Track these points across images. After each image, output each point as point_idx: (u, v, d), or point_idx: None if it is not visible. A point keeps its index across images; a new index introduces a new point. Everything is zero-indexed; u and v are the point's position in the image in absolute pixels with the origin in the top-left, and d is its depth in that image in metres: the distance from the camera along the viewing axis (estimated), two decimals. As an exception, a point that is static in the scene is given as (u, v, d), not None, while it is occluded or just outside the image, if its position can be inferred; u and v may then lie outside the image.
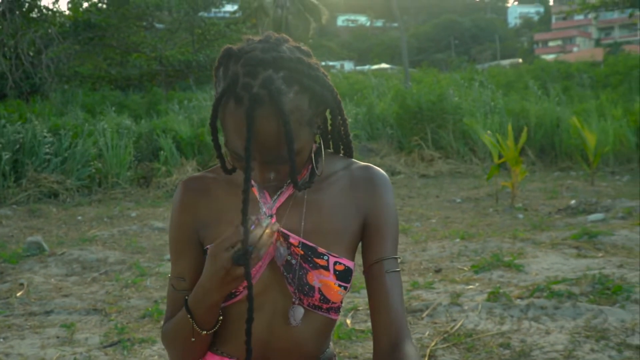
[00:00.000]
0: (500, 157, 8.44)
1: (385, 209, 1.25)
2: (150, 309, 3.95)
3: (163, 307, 3.98)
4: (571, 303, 3.44)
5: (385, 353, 1.18)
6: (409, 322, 3.54)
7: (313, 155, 1.23)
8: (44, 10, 11.00)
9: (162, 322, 3.67)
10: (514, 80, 20.10)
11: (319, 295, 1.21)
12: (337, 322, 3.52)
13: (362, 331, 3.39)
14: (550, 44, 71.37)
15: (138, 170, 11.20)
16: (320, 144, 1.26)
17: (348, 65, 54.10)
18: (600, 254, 4.83)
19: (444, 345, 3.13)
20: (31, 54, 10.98)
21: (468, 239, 5.81)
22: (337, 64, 49.92)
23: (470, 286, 4.09)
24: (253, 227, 1.08)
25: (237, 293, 1.21)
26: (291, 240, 1.20)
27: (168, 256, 5.66)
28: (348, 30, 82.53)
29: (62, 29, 12.25)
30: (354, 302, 3.92)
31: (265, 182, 1.15)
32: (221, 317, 1.21)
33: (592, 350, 2.90)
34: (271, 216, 1.21)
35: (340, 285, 1.21)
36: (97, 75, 24.36)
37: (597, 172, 10.44)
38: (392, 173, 11.92)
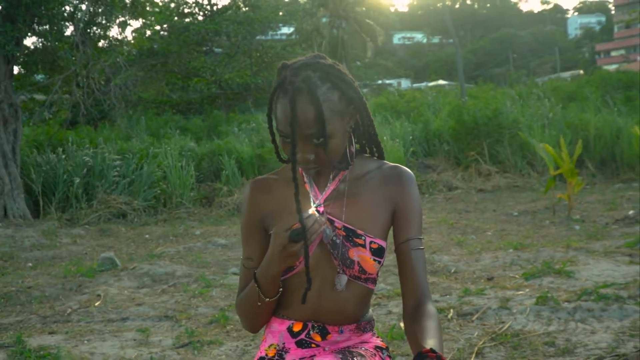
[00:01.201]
0: (557, 169, 8.46)
1: (411, 200, 1.56)
2: (217, 315, 4.23)
3: (229, 314, 4.26)
4: (618, 305, 3.55)
5: (411, 310, 1.49)
6: (458, 323, 3.72)
7: (349, 153, 1.56)
8: (113, 41, 11.61)
9: (228, 327, 3.96)
10: (573, 93, 19.78)
11: (358, 267, 1.51)
12: (392, 324, 3.72)
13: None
14: (613, 53, 69.61)
15: (201, 191, 11.63)
16: (354, 145, 1.60)
17: (405, 83, 54.16)
18: (653, 261, 4.85)
19: (491, 344, 3.29)
20: (102, 82, 11.61)
21: (521, 249, 5.90)
22: (394, 82, 50.01)
23: (520, 292, 4.23)
24: (308, 216, 1.39)
25: (294, 267, 1.51)
26: (336, 224, 1.52)
27: (232, 269, 5.96)
28: (404, 47, 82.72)
29: (129, 57, 12.89)
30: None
31: (307, 164, 1.47)
32: (281, 289, 1.52)
33: (636, 347, 3.01)
34: (320, 205, 1.52)
35: (375, 260, 1.51)
36: (160, 101, 25.28)
37: (660, 183, 10.25)
38: (449, 188, 11.96)
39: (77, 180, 10.14)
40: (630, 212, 7.54)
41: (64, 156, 10.53)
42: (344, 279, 1.51)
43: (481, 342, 3.31)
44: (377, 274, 1.55)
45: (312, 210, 1.41)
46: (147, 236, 8.65)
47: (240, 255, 6.14)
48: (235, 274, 5.77)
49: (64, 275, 5.96)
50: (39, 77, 13.56)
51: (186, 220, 10.01)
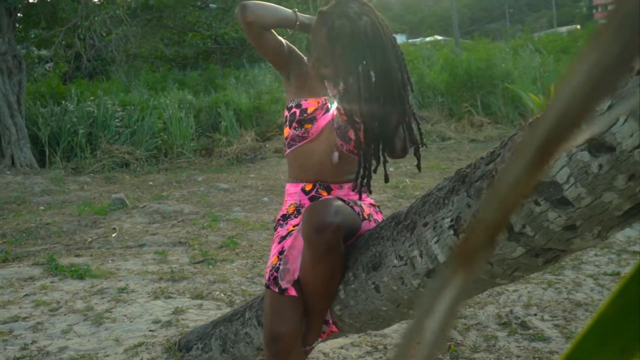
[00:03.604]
0: (543, 116, 8.80)
1: None
2: (226, 241, 4.65)
3: (238, 240, 4.66)
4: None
5: None
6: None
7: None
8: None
9: (237, 250, 4.35)
10: (567, 46, 19.97)
11: (353, 144, 1.96)
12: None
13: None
14: (611, 7, 69.11)
15: (200, 141, 11.96)
16: None
17: (400, 38, 53.70)
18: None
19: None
20: (103, 34, 11.81)
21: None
22: (388, 37, 49.50)
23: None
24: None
25: (307, 137, 1.97)
26: (341, 112, 1.95)
27: (237, 208, 6.36)
28: (400, 2, 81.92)
29: (127, 12, 13.06)
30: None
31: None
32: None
33: (596, 255, 3.43)
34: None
35: None
36: (155, 56, 25.30)
37: None
38: (442, 139, 12.30)
39: (82, 130, 10.46)
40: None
41: (70, 107, 10.81)
42: (336, 154, 1.98)
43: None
44: None
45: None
46: (151, 183, 9.01)
47: (241, 198, 6.48)
48: (239, 212, 6.17)
49: (78, 213, 6.35)
50: (35, 32, 13.70)
51: (187, 169, 10.36)
